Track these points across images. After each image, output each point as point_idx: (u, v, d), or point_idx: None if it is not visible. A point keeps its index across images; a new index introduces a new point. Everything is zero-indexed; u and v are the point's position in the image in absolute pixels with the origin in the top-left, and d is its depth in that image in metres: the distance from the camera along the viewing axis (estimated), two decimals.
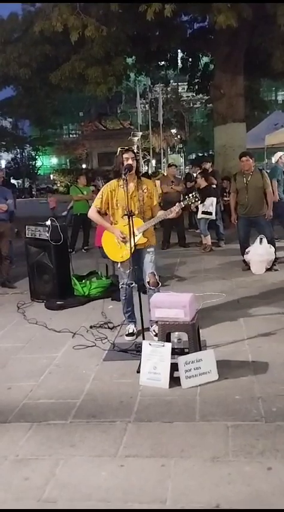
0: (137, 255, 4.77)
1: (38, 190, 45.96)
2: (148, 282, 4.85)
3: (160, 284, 5.01)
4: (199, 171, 11.07)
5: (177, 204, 4.76)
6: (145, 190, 4.81)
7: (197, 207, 9.91)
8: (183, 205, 4.78)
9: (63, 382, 4.07)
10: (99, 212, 4.92)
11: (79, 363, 4.44)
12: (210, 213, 9.82)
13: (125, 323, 5.15)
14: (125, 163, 4.68)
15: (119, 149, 4.82)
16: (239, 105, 15.24)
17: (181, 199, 5.01)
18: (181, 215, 10.14)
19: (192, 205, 4.96)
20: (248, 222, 7.67)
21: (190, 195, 4.84)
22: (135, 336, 4.94)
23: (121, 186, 4.76)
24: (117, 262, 5.04)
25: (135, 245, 4.49)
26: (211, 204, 9.79)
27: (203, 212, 9.83)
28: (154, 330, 4.78)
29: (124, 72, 15.47)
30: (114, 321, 5.44)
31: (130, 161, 4.67)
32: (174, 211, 4.73)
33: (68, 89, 16.23)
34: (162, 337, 4.09)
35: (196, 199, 4.82)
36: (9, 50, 14.58)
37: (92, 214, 4.98)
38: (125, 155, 4.70)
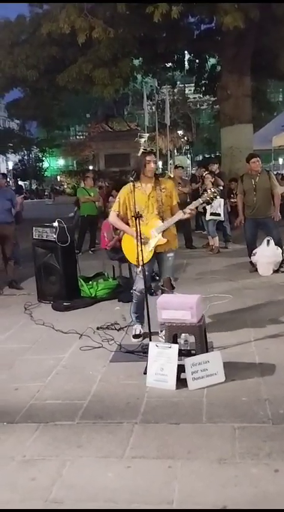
0: (157, 259, 4.76)
1: (53, 191, 43.90)
2: (162, 285, 4.83)
3: (175, 288, 4.98)
4: (206, 172, 11.05)
5: (194, 202, 4.73)
6: (163, 190, 4.75)
7: (205, 209, 9.90)
8: (202, 202, 4.75)
9: (70, 383, 4.08)
10: (118, 216, 4.89)
11: (86, 364, 4.44)
12: (219, 214, 9.82)
13: (131, 324, 5.13)
14: (147, 165, 4.66)
15: (141, 150, 4.83)
16: (246, 106, 15.22)
17: (201, 195, 4.97)
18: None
19: (211, 201, 4.88)
20: (256, 223, 7.65)
21: (209, 190, 4.79)
22: (141, 338, 4.92)
23: (138, 188, 4.73)
24: (136, 267, 4.91)
25: (154, 248, 4.51)
26: (219, 205, 9.78)
27: (212, 214, 9.82)
28: (163, 336, 4.65)
29: (131, 73, 15.51)
30: (120, 322, 5.44)
31: (152, 164, 4.67)
32: (193, 208, 4.69)
33: (74, 90, 16.27)
34: (168, 339, 4.09)
35: (215, 195, 4.76)
36: (17, 52, 14.66)
37: (112, 219, 4.97)
38: (148, 157, 4.68)
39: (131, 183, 4.76)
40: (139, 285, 4.84)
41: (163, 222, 4.70)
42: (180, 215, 4.72)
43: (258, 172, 7.52)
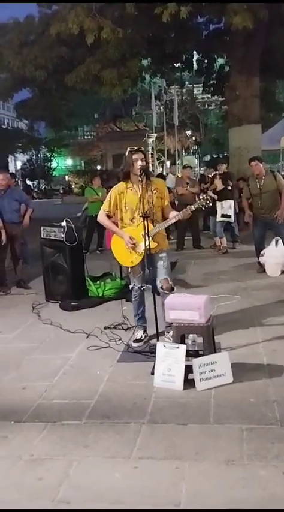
0: (149, 260, 4.67)
1: (64, 191, 42.97)
2: (161, 287, 4.73)
3: (175, 289, 4.93)
4: (214, 172, 11.03)
5: (188, 206, 4.64)
6: (154, 191, 4.65)
7: (215, 210, 9.83)
8: (194, 209, 4.64)
9: (77, 382, 4.08)
10: (108, 216, 4.83)
11: (93, 364, 4.44)
12: (229, 216, 9.79)
13: (137, 325, 5.09)
14: (135, 164, 4.55)
15: (128, 149, 4.67)
16: (254, 106, 15.16)
17: (195, 201, 4.91)
18: (195, 217, 10.18)
19: (203, 208, 4.81)
20: (264, 223, 7.61)
21: (201, 198, 4.74)
22: (142, 342, 4.85)
23: (130, 188, 4.67)
24: (128, 268, 4.96)
25: (145, 250, 4.44)
26: (229, 207, 9.76)
27: (222, 215, 9.78)
28: (169, 337, 4.59)
29: (139, 74, 15.53)
30: (128, 322, 5.43)
31: (140, 162, 4.53)
32: (184, 214, 4.62)
33: (83, 90, 16.28)
34: (176, 339, 4.08)
35: (208, 202, 4.72)
36: (26, 52, 14.69)
37: (101, 218, 4.88)
38: (135, 156, 4.55)
39: (123, 182, 4.72)
40: (135, 282, 4.88)
41: (153, 223, 4.60)
42: (172, 219, 4.70)
43: (262, 174, 7.45)
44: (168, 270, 4.84)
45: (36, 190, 48.61)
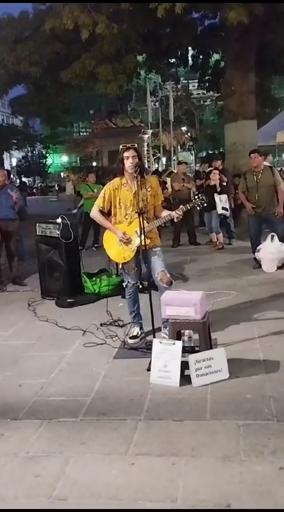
0: (143, 255, 4.69)
1: (59, 188, 43.15)
2: (161, 280, 4.69)
3: (173, 282, 4.92)
4: (210, 168, 11.01)
5: (181, 206, 4.64)
6: (149, 189, 4.65)
7: (211, 206, 9.81)
8: (189, 207, 4.68)
9: (74, 379, 4.08)
10: (101, 211, 4.82)
11: (89, 361, 4.44)
12: (227, 209, 9.78)
13: (133, 322, 5.09)
14: (125, 162, 4.57)
15: (120, 146, 4.69)
16: (250, 102, 15.11)
17: (190, 201, 4.92)
18: (191, 213, 10.18)
19: (199, 207, 4.84)
20: (260, 219, 7.62)
21: (196, 197, 4.77)
22: (138, 339, 4.85)
23: (124, 185, 4.68)
24: (120, 263, 4.96)
25: (141, 246, 4.46)
26: (226, 200, 9.75)
27: (223, 208, 9.75)
28: (165, 334, 4.61)
29: (134, 69, 15.41)
30: (124, 319, 5.42)
31: (130, 160, 4.53)
32: (177, 214, 4.63)
33: (78, 87, 16.20)
34: (172, 335, 4.08)
35: (202, 202, 4.73)
36: (20, 49, 14.60)
37: (95, 214, 4.87)
38: (125, 154, 4.56)
39: (118, 179, 4.71)
40: (129, 279, 4.87)
41: (147, 221, 4.58)
42: (167, 217, 4.72)
43: (260, 168, 7.47)
44: (165, 262, 4.84)
45: (35, 187, 48.57)
